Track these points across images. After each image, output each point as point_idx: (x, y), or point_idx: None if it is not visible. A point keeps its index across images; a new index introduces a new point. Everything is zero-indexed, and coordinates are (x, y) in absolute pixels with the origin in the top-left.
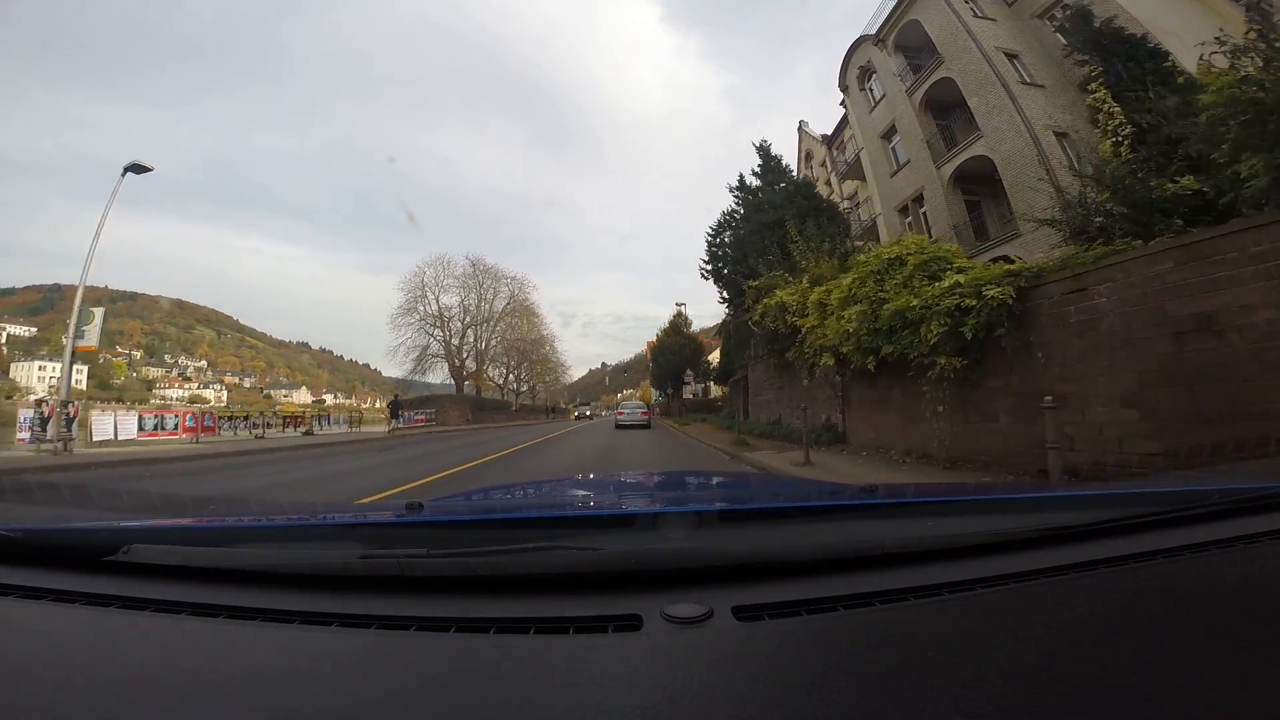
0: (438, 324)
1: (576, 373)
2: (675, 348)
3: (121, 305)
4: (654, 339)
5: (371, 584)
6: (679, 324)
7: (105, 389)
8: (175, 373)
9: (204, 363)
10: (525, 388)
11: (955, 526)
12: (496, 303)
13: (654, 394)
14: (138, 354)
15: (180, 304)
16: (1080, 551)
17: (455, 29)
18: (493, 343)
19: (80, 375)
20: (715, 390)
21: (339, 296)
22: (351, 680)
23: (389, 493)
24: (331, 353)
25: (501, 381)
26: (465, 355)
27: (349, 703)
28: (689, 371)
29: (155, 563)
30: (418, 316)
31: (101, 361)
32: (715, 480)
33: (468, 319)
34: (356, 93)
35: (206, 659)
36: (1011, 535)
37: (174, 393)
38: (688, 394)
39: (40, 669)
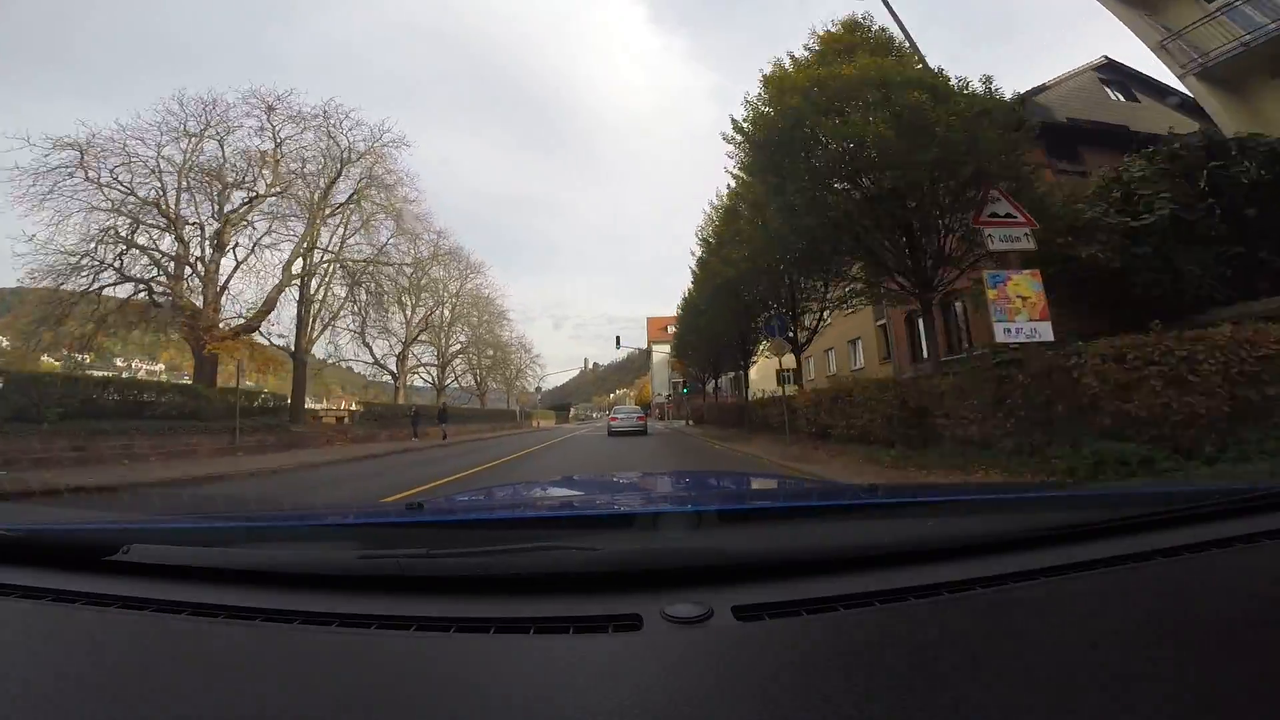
0: (164, 221)
1: (567, 373)
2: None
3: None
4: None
5: (371, 584)
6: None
7: None
8: (125, 376)
9: (160, 366)
10: (469, 381)
11: (955, 527)
12: (341, 185)
13: (656, 392)
14: (87, 357)
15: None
16: (1080, 551)
17: (444, 31)
18: (327, 274)
19: None
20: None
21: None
22: (351, 680)
23: None
24: (315, 355)
25: (398, 367)
26: (222, 289)
27: (349, 702)
28: (1009, 207)
29: (155, 563)
30: (91, 185)
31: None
32: (715, 480)
33: (238, 207)
34: (346, 96)
35: (206, 659)
36: (1011, 535)
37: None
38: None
39: (40, 669)
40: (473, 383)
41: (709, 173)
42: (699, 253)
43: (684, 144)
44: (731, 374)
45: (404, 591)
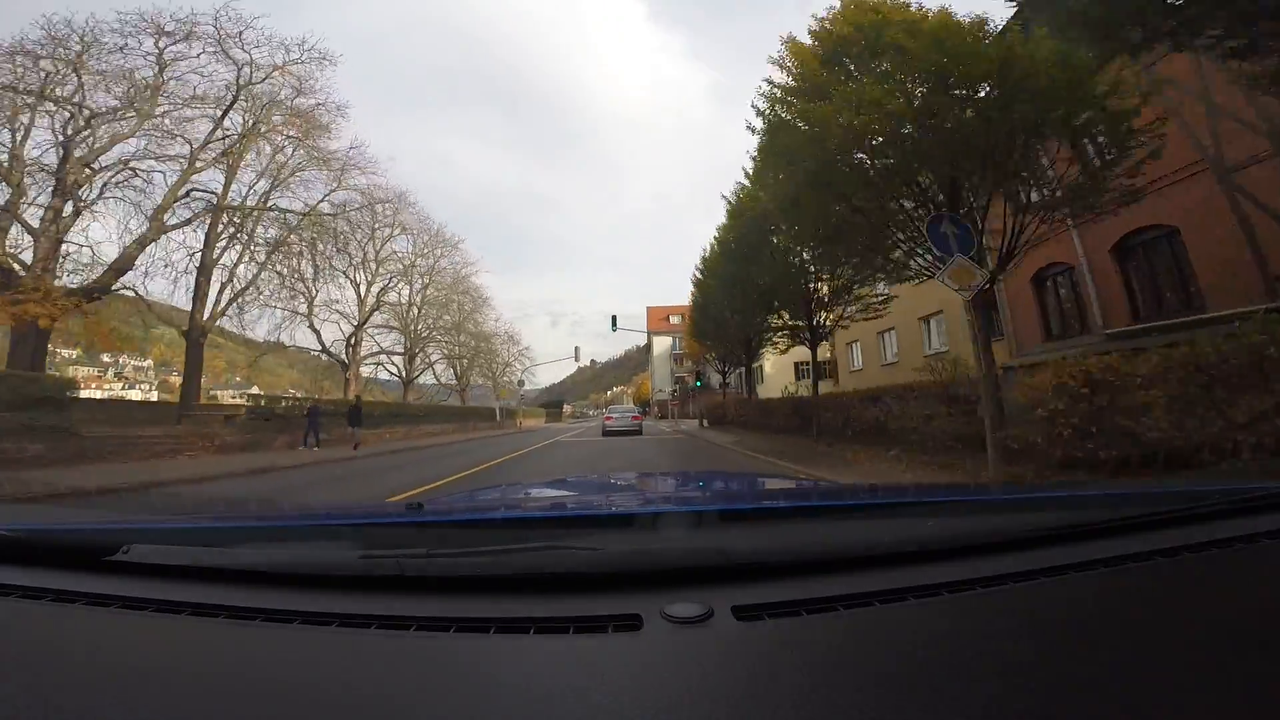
0: None
1: (563, 370)
2: None
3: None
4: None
5: (371, 584)
6: None
7: None
8: (111, 373)
9: (148, 362)
10: (450, 376)
11: (955, 526)
12: (243, 116)
13: (657, 388)
14: (73, 353)
15: (141, 303)
16: (1080, 551)
17: (441, 31)
18: (239, 231)
19: None
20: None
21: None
22: (351, 680)
23: None
24: (308, 351)
25: (348, 354)
26: (58, 243)
27: (349, 703)
28: None
29: (155, 563)
30: None
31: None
32: (715, 480)
33: (80, 129)
34: (341, 95)
35: (206, 659)
36: (1011, 535)
37: (88, 394)
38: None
39: (40, 669)
40: (453, 377)
41: (709, 169)
42: (762, 126)
43: (682, 143)
44: (742, 367)
45: (404, 591)
